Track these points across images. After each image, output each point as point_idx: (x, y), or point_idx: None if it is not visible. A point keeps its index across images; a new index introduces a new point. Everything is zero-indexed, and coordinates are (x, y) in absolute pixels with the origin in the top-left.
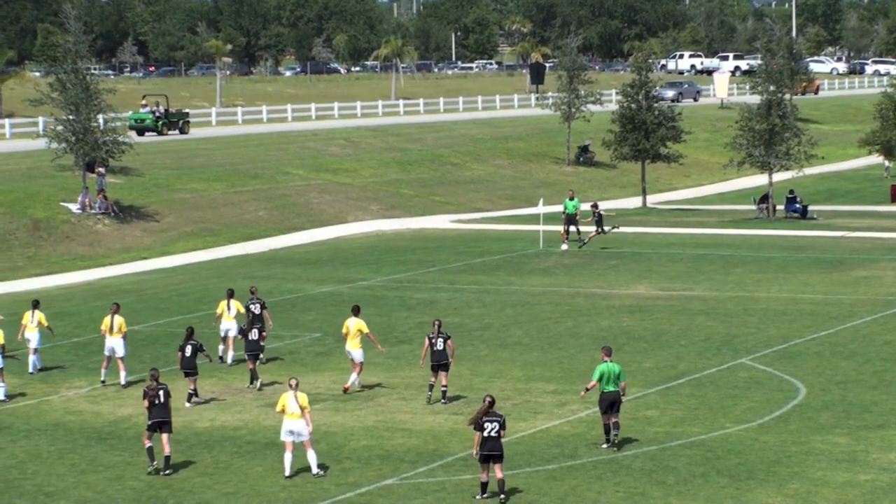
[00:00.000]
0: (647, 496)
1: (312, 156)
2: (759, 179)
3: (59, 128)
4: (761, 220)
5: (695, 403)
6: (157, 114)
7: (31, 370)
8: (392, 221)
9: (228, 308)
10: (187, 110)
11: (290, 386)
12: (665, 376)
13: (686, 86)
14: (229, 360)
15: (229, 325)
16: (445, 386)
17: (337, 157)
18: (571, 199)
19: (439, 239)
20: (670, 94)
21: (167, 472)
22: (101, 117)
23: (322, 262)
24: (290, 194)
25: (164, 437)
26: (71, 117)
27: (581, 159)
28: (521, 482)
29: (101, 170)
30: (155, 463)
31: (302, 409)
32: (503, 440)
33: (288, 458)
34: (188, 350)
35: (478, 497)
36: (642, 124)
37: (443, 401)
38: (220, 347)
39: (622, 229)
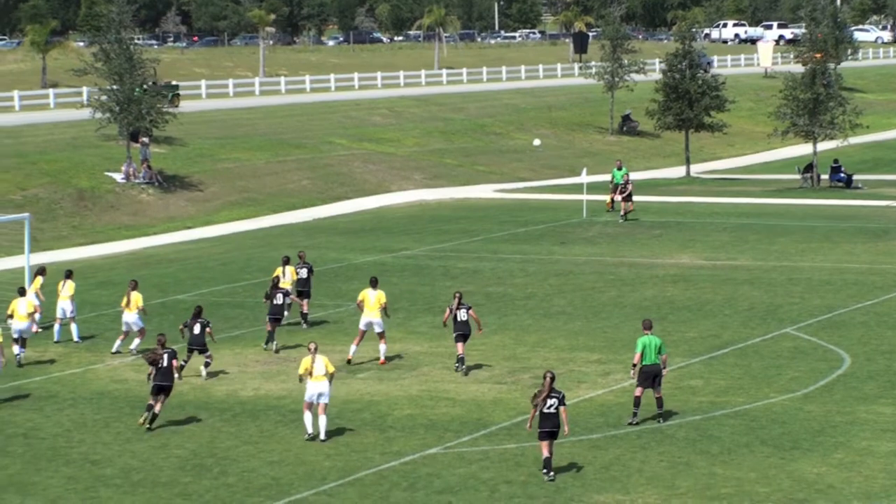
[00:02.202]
0: (691, 465)
1: (355, 125)
2: (803, 149)
3: (104, 98)
4: (805, 189)
5: (739, 373)
6: (145, 87)
7: (75, 338)
8: (435, 191)
9: (283, 274)
10: (176, 83)
11: (310, 350)
12: (709, 346)
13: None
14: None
15: (285, 292)
16: (462, 354)
17: (380, 126)
18: (619, 168)
19: (482, 208)
20: None
21: (150, 427)
22: (144, 87)
23: (365, 232)
24: (334, 164)
25: (161, 397)
26: (115, 87)
27: (624, 128)
28: (565, 451)
29: (145, 139)
30: (146, 415)
31: (329, 373)
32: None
33: (308, 417)
34: (196, 328)
35: (547, 477)
36: (686, 93)
37: (458, 366)
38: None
39: (664, 198)
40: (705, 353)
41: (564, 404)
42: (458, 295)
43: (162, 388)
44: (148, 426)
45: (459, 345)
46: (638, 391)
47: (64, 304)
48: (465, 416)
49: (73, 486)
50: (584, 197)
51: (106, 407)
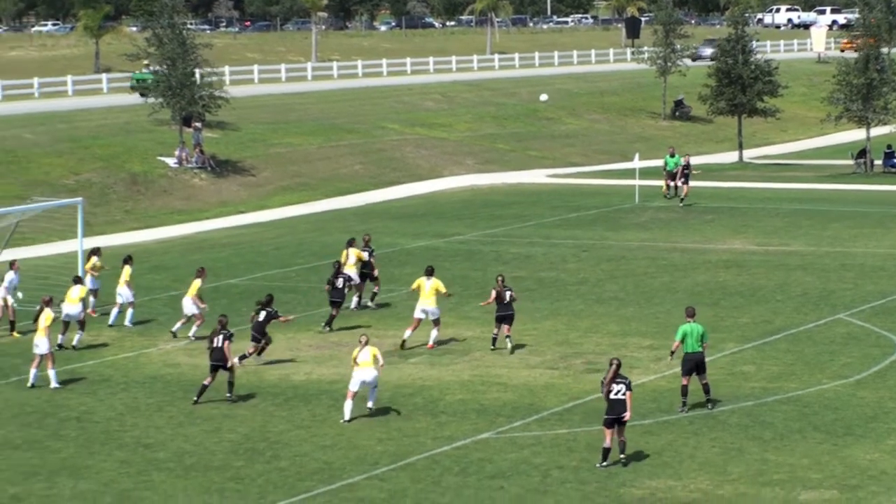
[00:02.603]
0: (743, 451)
1: (408, 110)
2: (856, 134)
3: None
4: (859, 174)
5: (791, 359)
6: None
7: (126, 322)
8: (487, 176)
9: (347, 257)
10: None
11: (360, 342)
12: (761, 331)
13: None
14: (353, 305)
15: (349, 273)
16: (510, 335)
17: (432, 111)
18: (672, 155)
19: (535, 193)
20: (708, 51)
21: (195, 399)
22: (197, 72)
23: (417, 217)
24: (386, 149)
25: (216, 374)
26: (168, 72)
27: (677, 113)
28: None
29: (198, 124)
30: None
31: (377, 363)
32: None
33: (349, 404)
34: (262, 315)
35: (600, 465)
36: (738, 78)
37: (510, 344)
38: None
39: (717, 183)
40: (758, 339)
41: (630, 390)
42: (500, 278)
43: (215, 368)
44: (195, 398)
45: (504, 326)
46: (684, 380)
47: (121, 290)
48: (517, 402)
49: (126, 470)
50: (637, 182)
51: (159, 391)
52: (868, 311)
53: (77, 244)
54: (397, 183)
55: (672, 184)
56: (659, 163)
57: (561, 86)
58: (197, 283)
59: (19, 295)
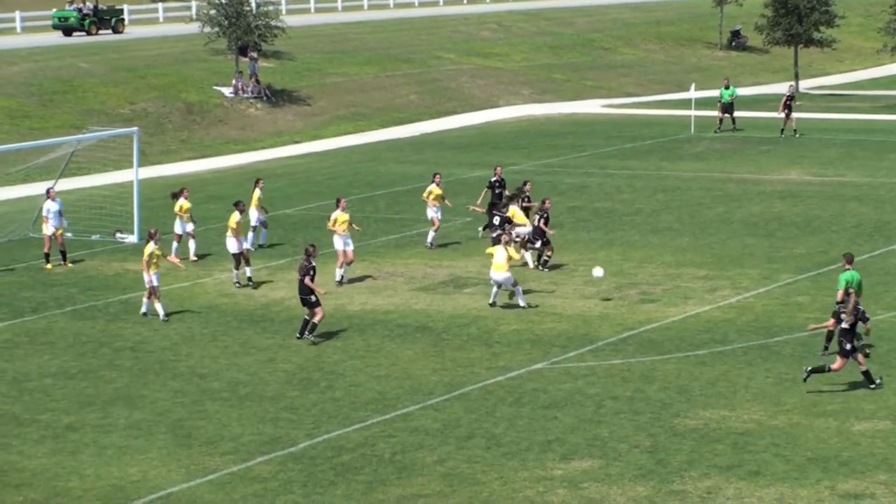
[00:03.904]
0: (796, 382)
1: (464, 40)
2: None
3: (212, 12)
4: None
5: None
6: (85, 11)
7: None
8: (543, 106)
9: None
10: (122, 6)
11: (502, 241)
12: (816, 262)
13: None
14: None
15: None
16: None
17: (488, 41)
18: (727, 87)
19: (590, 124)
20: None
21: (308, 337)
22: (253, 1)
23: (473, 147)
24: (441, 79)
25: (307, 310)
26: (224, 1)
27: (733, 44)
28: (672, 367)
29: (254, 54)
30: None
31: (511, 261)
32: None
33: (494, 291)
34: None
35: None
36: (795, 8)
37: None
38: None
39: (773, 114)
40: (813, 270)
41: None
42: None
43: (303, 303)
44: (297, 335)
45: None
46: (831, 323)
47: (251, 211)
48: (572, 332)
49: (181, 400)
50: (692, 112)
51: (213, 321)
52: None
53: (133, 174)
54: (452, 113)
55: (725, 116)
56: (715, 93)
57: (617, 15)
58: (256, 193)
59: (64, 223)
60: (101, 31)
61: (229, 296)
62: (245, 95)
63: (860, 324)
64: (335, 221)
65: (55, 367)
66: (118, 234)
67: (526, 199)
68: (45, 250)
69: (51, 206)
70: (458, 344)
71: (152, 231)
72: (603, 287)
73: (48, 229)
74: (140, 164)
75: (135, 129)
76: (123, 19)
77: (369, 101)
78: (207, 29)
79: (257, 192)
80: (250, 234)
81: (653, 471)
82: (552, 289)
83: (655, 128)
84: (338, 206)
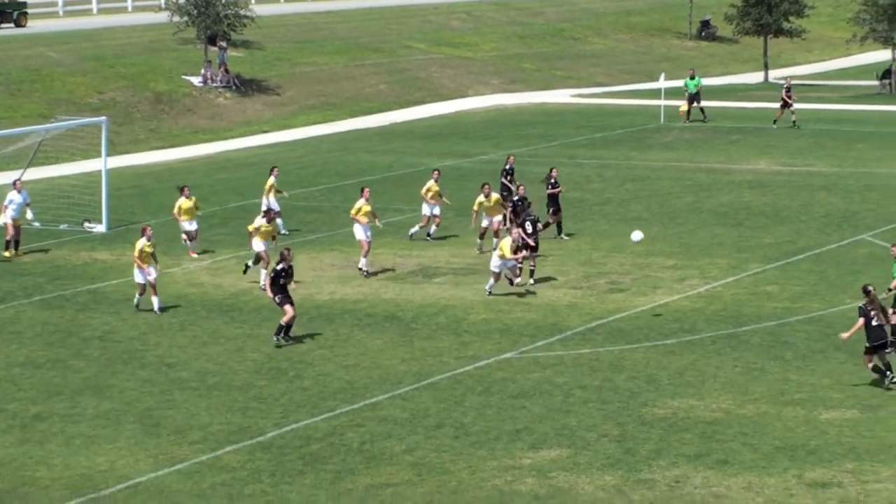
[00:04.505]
0: (765, 371)
1: (434, 30)
2: (882, 55)
3: (181, 1)
4: (884, 95)
5: (814, 279)
6: None
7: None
8: (513, 96)
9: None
10: (25, 0)
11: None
12: (785, 251)
13: None
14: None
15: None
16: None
17: (458, 30)
18: (692, 77)
19: (560, 113)
20: None
21: (277, 339)
22: None
23: (442, 137)
24: (411, 68)
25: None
26: None
27: (703, 34)
28: (640, 356)
29: (223, 43)
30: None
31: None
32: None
33: (490, 282)
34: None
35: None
36: None
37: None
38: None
39: (742, 104)
40: (781, 259)
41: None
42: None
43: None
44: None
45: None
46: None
47: (266, 199)
48: (540, 321)
49: (149, 389)
50: (662, 102)
51: (182, 310)
52: (891, 232)
53: (101, 163)
54: (422, 103)
55: (693, 107)
56: (683, 83)
57: (587, 5)
58: (270, 180)
59: (29, 214)
60: (2, 25)
61: (198, 285)
62: (214, 85)
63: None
64: (358, 211)
65: (23, 356)
66: (86, 224)
67: (552, 185)
68: (7, 238)
69: (14, 197)
70: (427, 333)
71: (144, 227)
72: (572, 276)
73: (5, 218)
74: (108, 154)
75: (103, 118)
76: (26, 13)
77: (338, 90)
78: (176, 18)
79: (271, 180)
80: (279, 221)
81: (621, 460)
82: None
83: (625, 117)
84: (361, 196)
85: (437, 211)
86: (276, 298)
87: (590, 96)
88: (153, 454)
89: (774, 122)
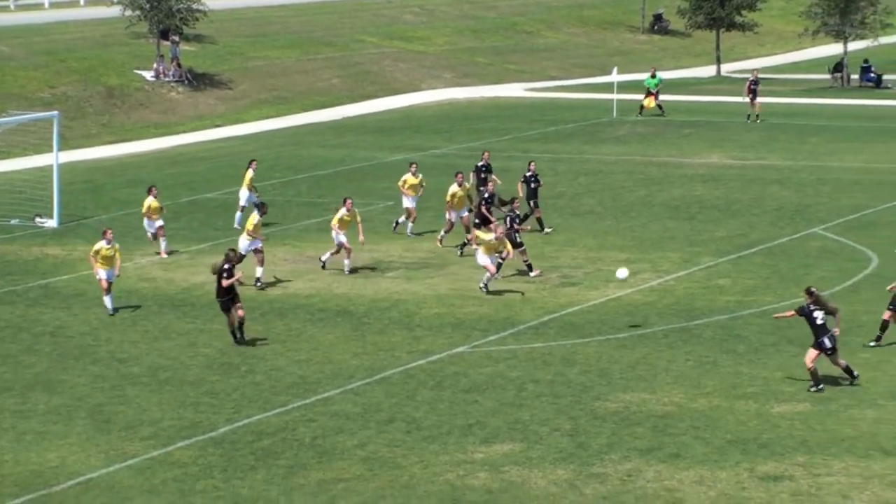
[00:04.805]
0: (717, 365)
1: (386, 23)
2: (833, 48)
3: None
4: (836, 89)
5: (767, 272)
6: None
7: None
8: (465, 90)
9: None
10: None
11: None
12: (737, 245)
13: None
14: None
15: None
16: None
17: (411, 24)
18: (653, 76)
19: (512, 107)
20: None
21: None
22: None
23: (395, 131)
24: (364, 62)
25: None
26: None
27: (656, 28)
28: (592, 350)
29: (175, 37)
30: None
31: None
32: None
33: (487, 276)
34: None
35: (812, 389)
36: None
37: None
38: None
39: (694, 97)
40: (733, 253)
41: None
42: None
43: (222, 307)
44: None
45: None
46: (886, 314)
47: (241, 192)
48: (493, 315)
49: (101, 385)
50: (615, 96)
51: (133, 305)
52: (843, 225)
53: (53, 158)
54: (375, 97)
55: (646, 103)
56: (637, 76)
57: None
58: (248, 173)
59: None
60: None
61: (149, 280)
62: (166, 79)
63: None
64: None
65: None
66: (38, 219)
67: (534, 181)
68: None
69: None
70: (379, 328)
71: (105, 230)
72: (522, 273)
73: None
74: (60, 149)
75: (55, 112)
76: None
77: (291, 84)
78: (129, 12)
79: (250, 173)
80: (237, 214)
81: (573, 454)
82: (473, 273)
83: (578, 111)
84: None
85: (413, 204)
86: (219, 303)
87: (542, 90)
88: (104, 450)
89: (748, 117)
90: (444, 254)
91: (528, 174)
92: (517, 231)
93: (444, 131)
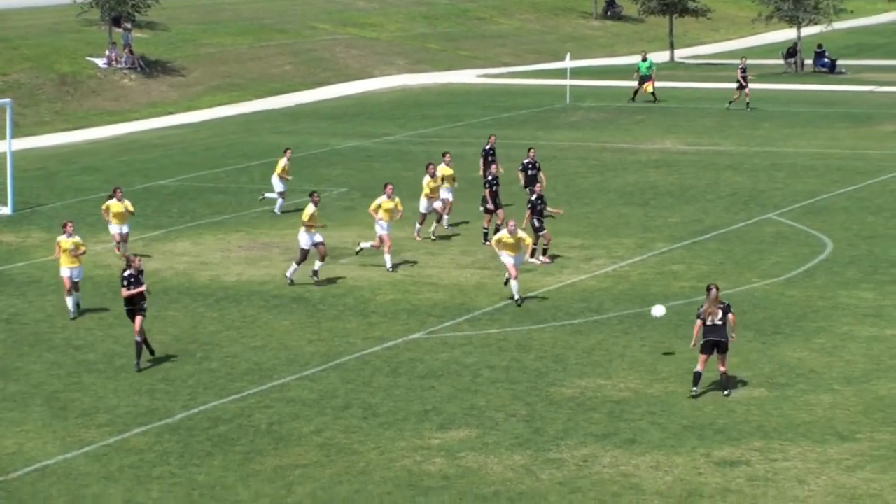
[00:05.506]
0: (673, 350)
1: (339, 10)
2: (787, 34)
3: None
4: (789, 74)
5: (721, 258)
6: None
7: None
8: (418, 76)
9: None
10: None
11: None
12: (691, 231)
13: None
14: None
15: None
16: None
17: (363, 11)
18: (644, 59)
19: (465, 94)
20: None
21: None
22: None
23: (348, 117)
24: (316, 49)
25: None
26: None
27: (608, 13)
28: (548, 336)
29: (128, 24)
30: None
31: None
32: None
33: (514, 283)
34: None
35: (695, 390)
36: None
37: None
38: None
39: (661, 83)
40: (688, 238)
41: (731, 312)
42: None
43: (129, 315)
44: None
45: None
46: None
47: (274, 179)
48: (448, 302)
49: (56, 372)
50: (568, 82)
51: (89, 292)
52: (798, 211)
53: (6, 145)
54: (327, 83)
55: (643, 88)
56: (589, 63)
57: None
58: (282, 161)
59: None
60: None
61: (104, 267)
62: (119, 66)
63: None
64: (379, 207)
65: None
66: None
67: (532, 167)
68: None
69: None
70: (334, 314)
71: (64, 223)
72: (479, 257)
73: None
74: (13, 136)
75: (8, 100)
76: None
77: (244, 71)
78: None
79: (283, 161)
80: (279, 201)
81: (530, 440)
82: (428, 259)
83: (531, 97)
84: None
85: (450, 196)
86: (125, 310)
87: (496, 76)
88: (61, 437)
89: (730, 103)
90: (398, 240)
91: (526, 161)
92: (542, 216)
93: (397, 118)
